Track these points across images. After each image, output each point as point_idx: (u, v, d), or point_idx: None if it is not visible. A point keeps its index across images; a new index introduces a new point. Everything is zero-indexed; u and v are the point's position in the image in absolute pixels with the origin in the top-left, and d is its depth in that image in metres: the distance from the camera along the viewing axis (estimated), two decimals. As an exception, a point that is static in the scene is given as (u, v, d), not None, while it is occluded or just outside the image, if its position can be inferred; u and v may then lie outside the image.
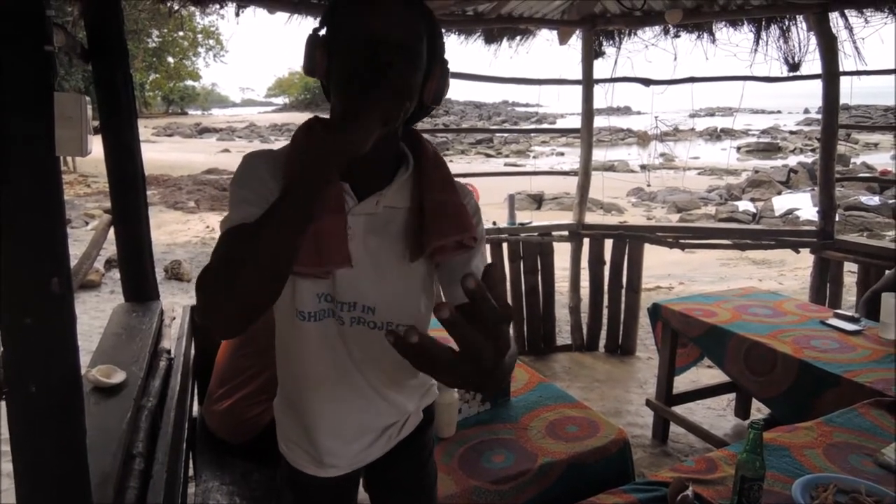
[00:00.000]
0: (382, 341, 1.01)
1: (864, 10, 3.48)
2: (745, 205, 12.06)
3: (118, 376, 1.61)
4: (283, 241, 0.83)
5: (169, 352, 2.05)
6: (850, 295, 4.15)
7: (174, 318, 2.35)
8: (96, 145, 2.20)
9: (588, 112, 4.22)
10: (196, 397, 2.33)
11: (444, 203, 1.03)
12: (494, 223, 4.24)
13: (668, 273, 7.02)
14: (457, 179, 1.11)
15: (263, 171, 0.97)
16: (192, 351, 2.32)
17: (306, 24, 3.38)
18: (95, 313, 5.14)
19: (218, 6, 3.16)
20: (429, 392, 1.25)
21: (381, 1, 0.94)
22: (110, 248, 2.44)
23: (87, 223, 8.82)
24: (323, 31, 0.98)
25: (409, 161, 1.05)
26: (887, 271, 2.99)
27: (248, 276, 0.81)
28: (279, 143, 1.06)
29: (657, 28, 4.11)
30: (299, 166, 0.87)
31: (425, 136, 1.12)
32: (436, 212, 1.02)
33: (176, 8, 3.21)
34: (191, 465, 2.15)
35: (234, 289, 0.81)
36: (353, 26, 0.93)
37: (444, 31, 1.08)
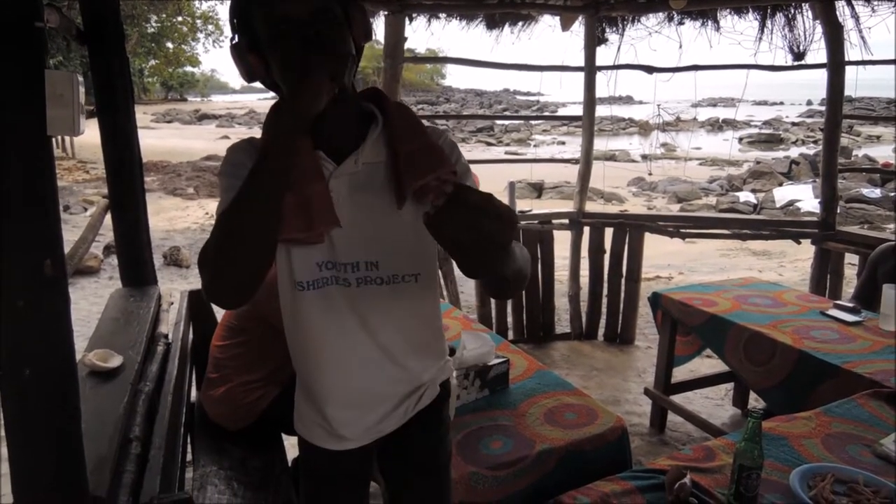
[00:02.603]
0: (392, 298, 1.09)
1: (871, -1, 3.45)
2: (746, 196, 12.03)
3: (115, 361, 1.61)
4: (257, 212, 0.91)
5: (166, 336, 2.04)
6: (850, 286, 4.13)
7: (172, 304, 2.35)
8: (94, 130, 2.19)
9: (590, 100, 4.19)
10: (195, 383, 2.33)
11: (415, 147, 1.08)
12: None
13: (667, 263, 7.01)
14: (428, 124, 1.15)
15: (245, 158, 1.03)
16: (191, 336, 2.32)
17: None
18: (94, 299, 5.14)
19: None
20: (445, 367, 1.27)
21: None
22: (109, 234, 2.43)
23: (85, 209, 8.79)
24: (239, 39, 1.03)
25: (377, 118, 1.11)
26: (870, 257, 2.98)
27: (238, 245, 0.90)
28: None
29: (661, 15, 4.07)
30: (267, 138, 0.94)
31: (426, 123, 1.15)
32: (408, 157, 1.07)
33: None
34: (189, 450, 2.15)
35: (228, 258, 0.90)
36: (269, 18, 0.98)
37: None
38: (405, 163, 1.07)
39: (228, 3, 1.06)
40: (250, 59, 1.01)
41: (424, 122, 1.16)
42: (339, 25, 1.01)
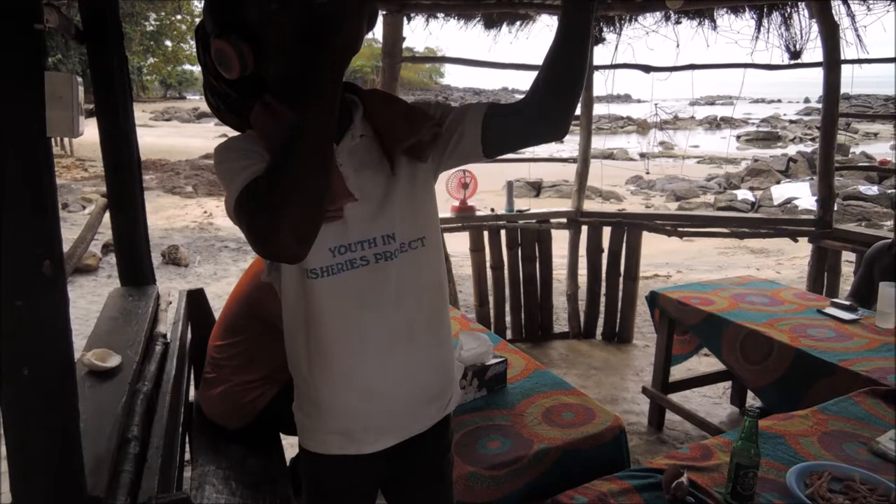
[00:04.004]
0: (408, 266, 1.10)
1: (868, -3, 3.46)
2: (743, 194, 12.05)
3: (113, 360, 1.61)
4: (319, 149, 0.88)
5: (165, 336, 2.04)
6: (847, 283, 4.14)
7: (170, 303, 2.35)
8: (92, 128, 2.19)
9: (587, 99, 4.19)
10: (193, 382, 2.33)
11: (391, 114, 1.10)
12: (493, 210, 4.23)
13: (665, 261, 7.02)
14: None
15: (243, 144, 1.03)
16: (189, 335, 2.32)
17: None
18: (93, 297, 5.13)
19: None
20: (459, 367, 1.28)
21: None
22: (108, 233, 2.43)
23: (84, 207, 8.78)
24: (223, 32, 1.00)
25: (356, 103, 1.12)
26: (866, 255, 2.99)
27: (303, 172, 0.85)
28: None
29: (658, 14, 4.07)
30: (304, 92, 0.89)
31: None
32: (387, 124, 1.09)
33: (173, -10, 3.18)
34: (187, 449, 2.15)
35: (294, 189, 0.85)
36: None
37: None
38: (386, 129, 1.09)
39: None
40: (242, 46, 0.98)
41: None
42: None
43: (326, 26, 0.89)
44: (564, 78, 1.04)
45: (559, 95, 1.05)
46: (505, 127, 1.09)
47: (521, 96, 1.09)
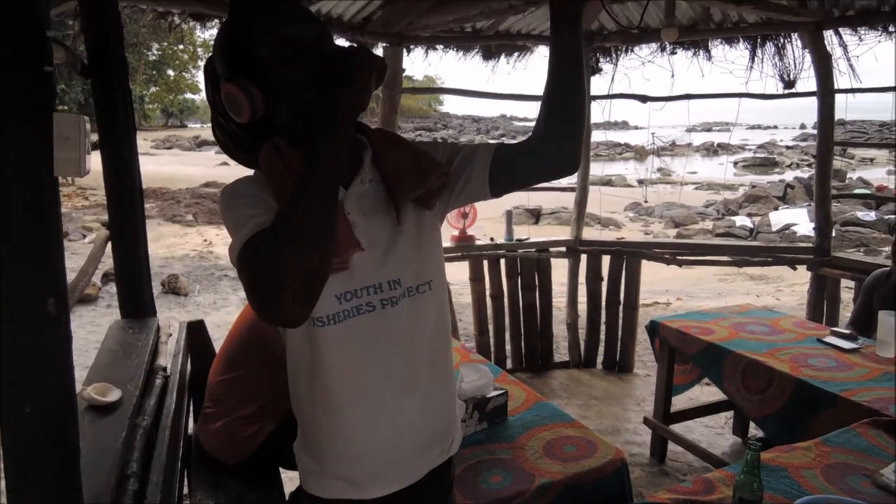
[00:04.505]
0: (414, 312, 1.09)
1: (859, 29, 3.52)
2: (742, 220, 12.10)
3: (113, 394, 1.60)
4: (325, 203, 0.88)
5: (165, 369, 2.03)
6: (847, 311, 4.15)
7: (170, 335, 2.34)
8: (94, 157, 2.21)
9: (586, 128, 4.24)
10: (192, 415, 2.31)
11: (400, 161, 1.09)
12: (492, 239, 4.25)
13: (665, 288, 7.02)
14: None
15: (250, 189, 1.02)
16: (189, 368, 2.31)
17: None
18: (91, 327, 5.12)
19: (218, 21, 3.18)
20: (461, 406, 1.27)
21: (273, 8, 1.00)
22: (107, 262, 2.44)
23: (84, 236, 8.81)
24: (232, 75, 1.01)
25: (365, 145, 1.11)
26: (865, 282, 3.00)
27: (311, 233, 0.85)
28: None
29: (654, 45, 4.14)
30: (313, 139, 0.90)
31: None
32: (396, 173, 1.08)
33: (177, 22, 3.24)
34: (185, 483, 2.13)
35: (304, 248, 0.85)
36: (276, 41, 0.98)
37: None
38: (395, 177, 1.08)
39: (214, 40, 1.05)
40: (252, 91, 0.98)
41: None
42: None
43: (337, 76, 0.90)
44: (565, 109, 1.05)
45: (563, 128, 1.06)
46: (514, 166, 1.10)
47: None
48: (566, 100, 1.05)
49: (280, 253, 0.84)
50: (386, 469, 1.12)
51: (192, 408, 2.32)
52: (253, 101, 0.99)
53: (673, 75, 4.21)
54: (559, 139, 1.06)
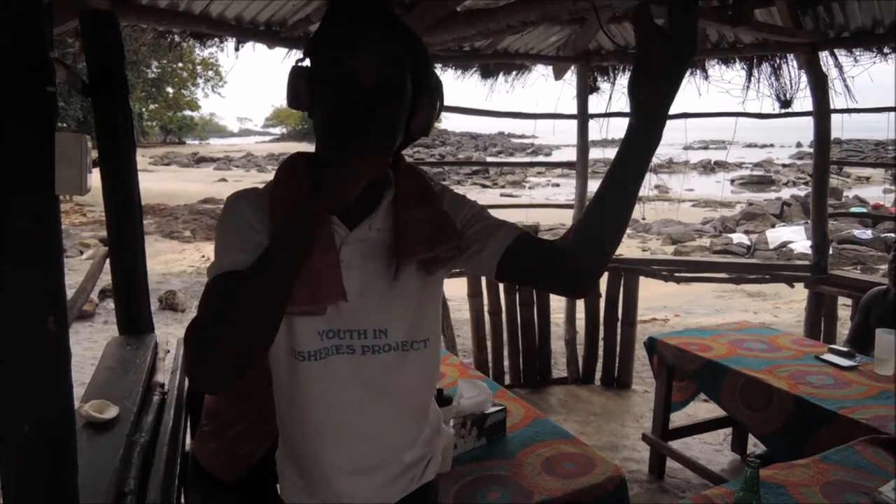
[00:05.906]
0: (400, 365, 1.04)
1: (854, 50, 3.56)
2: (739, 237, 12.13)
3: (111, 411, 1.60)
4: (275, 287, 0.84)
5: (162, 386, 2.03)
6: (844, 329, 4.15)
7: (168, 352, 2.34)
8: (94, 175, 2.22)
9: (584, 147, 4.28)
10: (189, 431, 2.30)
11: (417, 218, 1.02)
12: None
13: (663, 305, 7.02)
14: (444, 185, 1.12)
15: (249, 213, 0.97)
16: (186, 384, 2.30)
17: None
18: (88, 344, 5.11)
19: (217, 40, 3.21)
20: (441, 431, 1.23)
21: (361, 34, 0.92)
22: (105, 278, 2.44)
23: (82, 252, 8.81)
24: (306, 63, 0.97)
25: (391, 180, 1.05)
26: (862, 300, 3.02)
27: (243, 322, 0.82)
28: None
29: (650, 64, 4.17)
30: (288, 219, 0.86)
31: (421, 167, 1.14)
32: (409, 228, 1.01)
33: (177, 41, 3.27)
34: (182, 500, 2.11)
35: (230, 335, 0.82)
36: (334, 62, 0.92)
37: (440, 65, 1.13)
38: (403, 235, 1.01)
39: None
40: (301, 85, 0.95)
41: (423, 169, 1.13)
42: (401, 105, 0.95)
43: (357, 118, 0.86)
44: (611, 241, 0.95)
45: (600, 252, 0.95)
46: (530, 262, 1.02)
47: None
48: (614, 231, 0.95)
49: (214, 328, 0.83)
50: (362, 496, 1.10)
51: (189, 424, 2.31)
52: (298, 94, 0.96)
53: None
54: (591, 260, 0.97)
